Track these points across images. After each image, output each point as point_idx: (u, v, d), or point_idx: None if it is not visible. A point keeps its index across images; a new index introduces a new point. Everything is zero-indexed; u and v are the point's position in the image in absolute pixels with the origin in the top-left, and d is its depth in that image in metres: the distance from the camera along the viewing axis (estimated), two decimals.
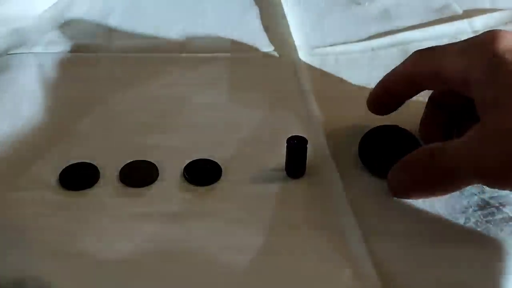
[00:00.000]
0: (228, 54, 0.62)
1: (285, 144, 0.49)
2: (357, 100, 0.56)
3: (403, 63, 0.50)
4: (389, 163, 0.48)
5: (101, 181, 0.49)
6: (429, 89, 0.51)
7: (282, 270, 0.43)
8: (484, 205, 0.47)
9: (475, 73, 0.44)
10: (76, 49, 0.62)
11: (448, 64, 0.46)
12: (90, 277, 0.42)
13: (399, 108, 0.52)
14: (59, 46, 0.62)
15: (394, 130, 0.52)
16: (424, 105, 0.52)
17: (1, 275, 0.41)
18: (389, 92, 0.51)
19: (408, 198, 0.47)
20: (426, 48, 0.49)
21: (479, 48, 0.45)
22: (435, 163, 0.45)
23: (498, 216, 0.46)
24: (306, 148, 0.48)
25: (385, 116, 0.53)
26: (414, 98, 0.51)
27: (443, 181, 0.45)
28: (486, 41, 0.45)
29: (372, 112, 0.52)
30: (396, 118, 0.52)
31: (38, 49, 0.62)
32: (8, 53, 0.61)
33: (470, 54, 0.45)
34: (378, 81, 0.52)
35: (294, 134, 0.49)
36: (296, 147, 0.48)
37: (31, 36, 0.63)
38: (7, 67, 0.59)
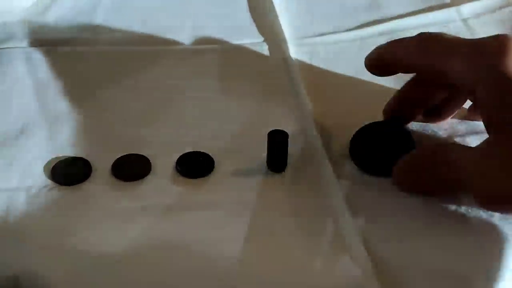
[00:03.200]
0: (217, 46, 0.62)
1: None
2: (347, 91, 0.57)
3: (407, 45, 0.49)
4: (381, 162, 0.49)
5: (93, 175, 0.49)
6: (429, 82, 0.50)
7: (276, 260, 0.43)
8: None
9: (482, 90, 0.43)
10: (63, 43, 0.62)
11: (455, 67, 0.45)
12: (84, 272, 0.42)
13: None
14: (47, 40, 0.62)
15: (385, 125, 0.52)
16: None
17: None
18: (391, 67, 0.51)
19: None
20: (432, 36, 0.47)
21: (487, 58, 0.43)
22: (436, 170, 0.45)
23: None
24: (286, 142, 0.48)
25: (376, 109, 0.53)
26: None
27: (442, 188, 0.46)
28: (495, 51, 0.43)
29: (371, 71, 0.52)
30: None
31: (25, 43, 0.61)
32: None
33: (478, 65, 0.44)
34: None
35: (285, 126, 0.49)
36: (277, 141, 0.48)
37: (18, 30, 0.62)
38: None
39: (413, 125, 0.53)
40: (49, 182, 0.48)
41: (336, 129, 0.53)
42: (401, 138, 0.51)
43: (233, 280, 0.42)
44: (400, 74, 0.57)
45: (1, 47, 0.60)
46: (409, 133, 0.51)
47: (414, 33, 0.62)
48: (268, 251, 0.44)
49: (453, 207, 0.46)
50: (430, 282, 0.42)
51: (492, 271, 0.42)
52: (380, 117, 0.53)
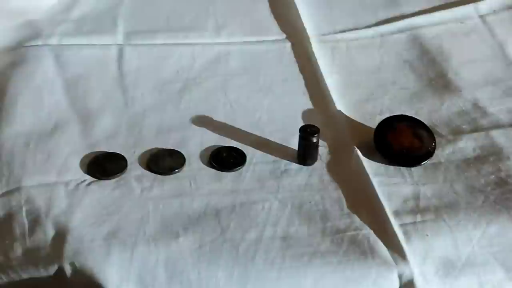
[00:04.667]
0: (241, 42, 0.63)
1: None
2: (368, 86, 0.58)
3: None
4: (405, 152, 0.50)
5: (129, 169, 0.50)
6: None
7: None
8: (501, 183, 0.49)
9: None
10: (90, 40, 0.63)
11: None
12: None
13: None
14: (74, 37, 0.63)
15: (406, 119, 0.53)
16: None
17: None
18: None
19: None
20: None
21: None
22: None
23: None
24: (318, 136, 0.50)
25: (397, 104, 0.55)
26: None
27: None
28: None
29: None
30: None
31: (53, 41, 0.62)
32: (24, 45, 0.61)
33: None
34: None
35: (311, 122, 0.51)
36: (308, 136, 0.50)
37: (45, 28, 0.63)
38: (24, 60, 0.59)
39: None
40: (87, 176, 0.49)
41: (361, 123, 0.55)
42: (420, 130, 0.52)
43: None
44: (419, 71, 0.59)
45: (29, 44, 0.61)
46: (425, 125, 0.53)
47: (432, 30, 0.65)
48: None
49: (481, 199, 0.48)
50: None
51: None
52: (400, 111, 0.55)
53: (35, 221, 0.46)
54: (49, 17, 0.65)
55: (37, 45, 0.61)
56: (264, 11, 0.68)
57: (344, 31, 0.65)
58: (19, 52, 0.60)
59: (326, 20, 0.66)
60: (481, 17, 0.66)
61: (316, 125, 0.51)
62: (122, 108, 0.56)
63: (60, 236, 0.45)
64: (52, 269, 0.44)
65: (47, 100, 0.56)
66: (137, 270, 0.43)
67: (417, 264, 0.44)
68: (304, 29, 0.65)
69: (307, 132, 0.50)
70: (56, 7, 0.66)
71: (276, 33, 0.65)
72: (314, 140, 0.50)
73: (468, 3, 0.68)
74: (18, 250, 0.45)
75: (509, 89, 0.58)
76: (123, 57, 0.61)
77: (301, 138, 0.50)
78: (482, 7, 0.67)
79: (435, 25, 0.65)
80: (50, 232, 0.45)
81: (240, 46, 0.63)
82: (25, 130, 0.53)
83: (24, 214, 0.46)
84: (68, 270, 0.43)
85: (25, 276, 0.44)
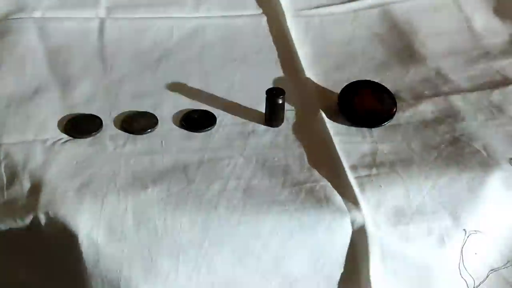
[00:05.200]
0: (219, 16, 0.66)
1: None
2: (338, 56, 0.61)
3: None
4: (367, 114, 0.53)
5: (104, 129, 0.52)
6: None
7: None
8: (455, 142, 0.51)
9: None
10: (72, 14, 0.65)
11: None
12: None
13: None
14: (57, 11, 0.65)
15: (370, 84, 0.56)
16: None
17: None
18: None
19: None
20: None
21: None
22: None
23: (467, 150, 0.50)
24: (283, 98, 0.52)
25: (365, 73, 0.58)
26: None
27: None
28: None
29: None
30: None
31: (37, 14, 0.65)
32: (9, 17, 0.64)
33: None
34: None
35: (283, 87, 0.53)
36: (273, 98, 0.53)
37: (30, 2, 0.66)
38: (9, 31, 0.62)
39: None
40: (63, 135, 0.52)
41: (328, 89, 0.57)
42: (382, 94, 0.55)
43: None
44: (388, 43, 0.62)
45: (14, 17, 0.64)
46: (388, 90, 0.56)
47: (403, 5, 0.67)
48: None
49: (434, 154, 0.50)
50: None
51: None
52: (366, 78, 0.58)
53: (12, 175, 0.49)
54: None
55: (21, 18, 0.64)
56: None
57: (318, 7, 0.68)
58: (5, 24, 0.63)
59: None
60: None
61: (285, 91, 0.53)
62: (101, 75, 0.58)
63: (36, 188, 0.47)
64: (28, 219, 0.46)
65: (29, 67, 0.59)
66: (107, 218, 0.46)
67: (369, 212, 0.46)
68: (280, 4, 0.67)
69: (273, 94, 0.53)
70: None
71: (252, 8, 0.67)
72: (280, 101, 0.52)
73: None
74: None
75: (471, 59, 0.61)
76: (104, 29, 0.63)
77: (267, 100, 0.53)
78: None
79: (406, 1, 0.68)
80: (27, 185, 0.48)
81: (217, 20, 0.66)
82: (6, 94, 0.55)
83: (2, 168, 0.49)
84: (42, 219, 0.46)
85: (3, 227, 0.47)
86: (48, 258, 0.47)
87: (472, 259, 0.47)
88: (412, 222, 0.46)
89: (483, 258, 0.48)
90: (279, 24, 0.65)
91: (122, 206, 0.46)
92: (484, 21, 0.65)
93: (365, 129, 0.53)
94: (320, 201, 0.46)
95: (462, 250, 0.47)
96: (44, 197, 0.47)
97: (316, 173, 0.49)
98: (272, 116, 0.53)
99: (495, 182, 0.48)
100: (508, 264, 0.49)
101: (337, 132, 0.52)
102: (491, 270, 0.48)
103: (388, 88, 0.56)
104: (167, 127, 0.53)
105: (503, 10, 0.66)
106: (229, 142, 0.52)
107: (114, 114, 0.54)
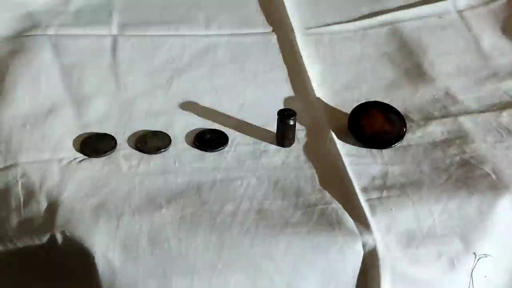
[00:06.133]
0: (229, 34, 0.67)
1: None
2: (349, 76, 0.62)
3: None
4: (377, 135, 0.54)
5: (118, 148, 0.53)
6: None
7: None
8: (465, 164, 0.52)
9: None
10: (86, 31, 0.66)
11: None
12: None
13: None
14: (71, 28, 0.67)
15: (379, 105, 0.57)
16: None
17: None
18: None
19: None
20: None
21: None
22: None
23: (477, 173, 0.51)
24: (295, 119, 0.53)
25: (374, 92, 0.58)
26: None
27: None
28: None
29: None
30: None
31: (51, 31, 0.66)
32: (23, 35, 0.65)
33: None
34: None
35: (291, 107, 0.54)
36: (285, 119, 0.53)
37: (44, 19, 0.67)
38: (23, 48, 0.63)
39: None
40: (79, 154, 0.53)
41: (338, 109, 0.58)
42: (392, 115, 0.56)
43: None
44: (397, 62, 0.63)
45: (29, 34, 0.65)
46: (398, 111, 0.56)
47: (411, 24, 0.68)
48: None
49: (445, 177, 0.51)
50: None
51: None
52: (376, 99, 0.58)
53: (29, 194, 0.49)
54: (48, 9, 0.69)
55: (36, 35, 0.65)
56: (252, 6, 0.71)
57: (328, 24, 0.69)
58: (19, 41, 0.64)
59: (311, 15, 0.70)
60: (459, 12, 0.70)
61: (296, 111, 0.54)
62: (114, 93, 0.59)
63: (52, 207, 0.48)
64: (45, 238, 0.47)
65: (44, 85, 0.60)
66: (122, 238, 0.46)
67: (380, 234, 0.47)
68: (289, 23, 0.68)
69: (285, 115, 0.53)
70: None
71: (263, 27, 0.68)
72: (291, 122, 0.53)
73: None
74: (14, 221, 0.48)
75: (480, 79, 0.61)
76: (117, 47, 0.64)
77: (279, 121, 0.54)
78: (460, 2, 0.71)
79: (415, 19, 0.69)
80: (43, 204, 0.49)
81: (228, 38, 0.67)
82: (22, 112, 0.56)
83: (19, 187, 0.50)
84: (59, 238, 0.47)
85: (20, 245, 0.48)
86: (64, 276, 0.48)
87: (482, 282, 0.48)
88: (422, 245, 0.47)
89: (492, 282, 0.49)
90: (289, 42, 0.66)
91: (137, 226, 0.47)
92: (492, 41, 0.66)
93: (375, 150, 0.54)
94: (332, 223, 0.47)
95: (472, 274, 0.47)
96: (61, 217, 0.48)
97: (327, 194, 0.50)
98: (283, 136, 0.54)
99: (504, 205, 0.49)
100: None
101: (348, 153, 0.53)
102: None
103: (397, 108, 0.57)
104: (180, 146, 0.54)
105: (511, 30, 0.67)
106: (241, 162, 0.53)
107: (128, 133, 0.55)
